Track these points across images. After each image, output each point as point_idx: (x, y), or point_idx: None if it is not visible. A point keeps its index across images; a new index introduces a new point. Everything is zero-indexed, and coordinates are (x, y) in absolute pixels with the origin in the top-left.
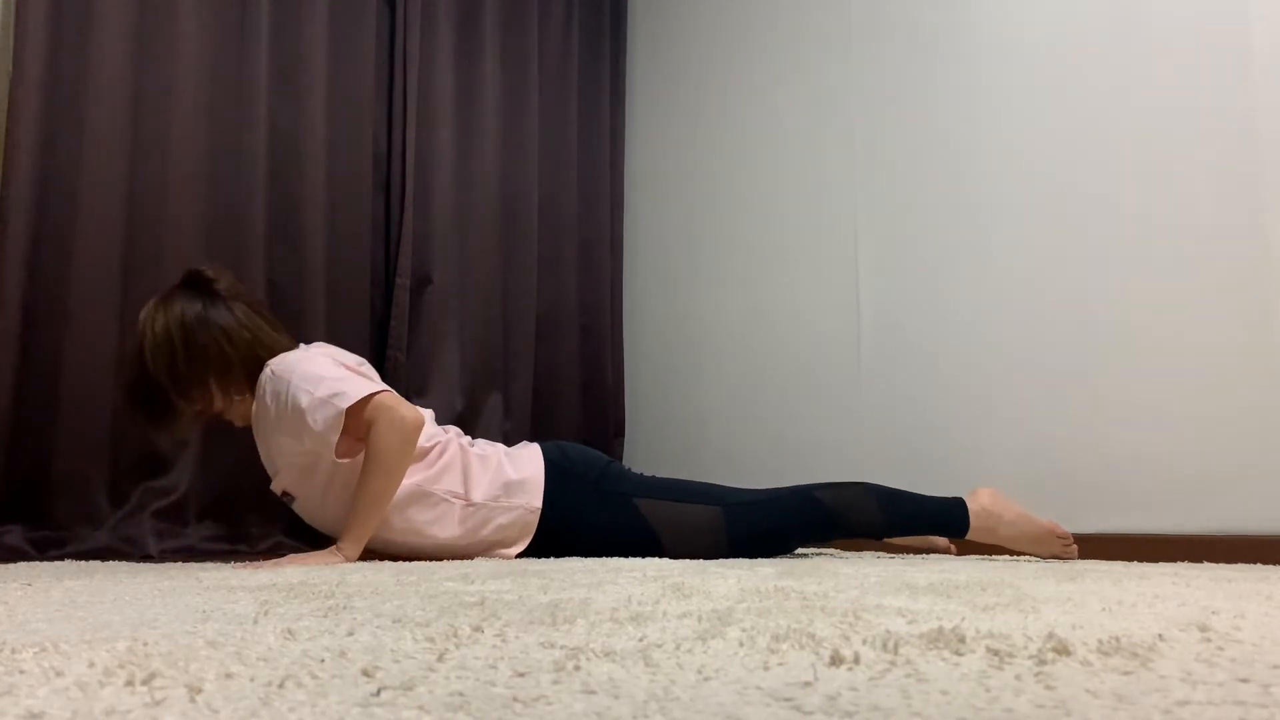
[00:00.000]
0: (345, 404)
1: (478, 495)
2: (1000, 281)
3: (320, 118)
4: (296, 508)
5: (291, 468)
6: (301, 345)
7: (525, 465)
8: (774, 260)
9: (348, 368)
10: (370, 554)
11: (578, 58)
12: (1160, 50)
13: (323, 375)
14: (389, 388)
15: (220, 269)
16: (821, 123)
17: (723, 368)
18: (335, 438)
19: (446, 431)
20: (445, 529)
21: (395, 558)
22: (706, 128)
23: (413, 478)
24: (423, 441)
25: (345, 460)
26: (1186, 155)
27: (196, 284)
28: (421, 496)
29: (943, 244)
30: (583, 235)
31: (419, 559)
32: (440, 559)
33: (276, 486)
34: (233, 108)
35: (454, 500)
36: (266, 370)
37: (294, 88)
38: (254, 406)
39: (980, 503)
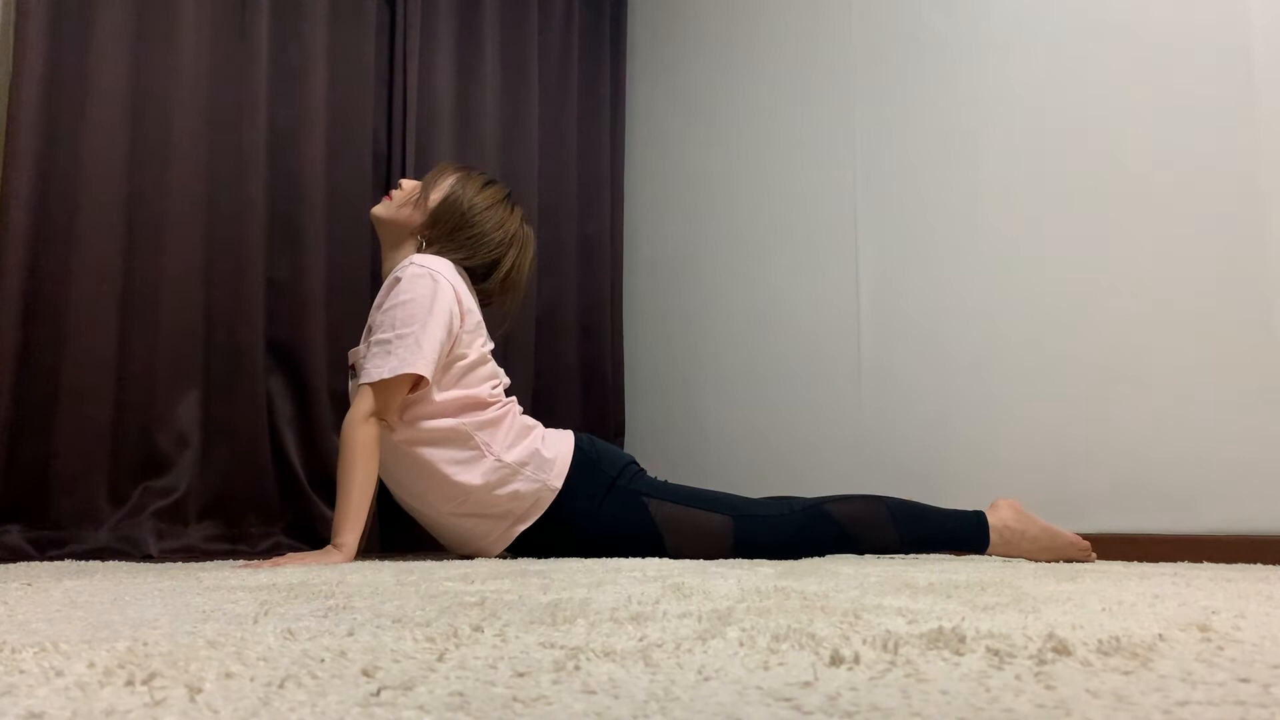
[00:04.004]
0: (378, 376)
1: (509, 457)
2: (1002, 281)
3: (320, 118)
4: (352, 390)
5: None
6: (442, 265)
7: (557, 446)
8: (774, 259)
9: (451, 331)
10: (389, 504)
11: (578, 58)
12: (1161, 47)
13: (414, 330)
14: (427, 374)
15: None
16: (821, 122)
17: (723, 367)
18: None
19: (509, 399)
20: (468, 475)
21: (402, 513)
22: (706, 128)
23: (461, 418)
24: (486, 396)
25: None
26: (1197, 152)
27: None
28: (462, 438)
29: (944, 243)
30: (583, 235)
31: (429, 512)
32: (444, 517)
33: (353, 355)
34: (233, 108)
35: (487, 453)
36: (412, 263)
37: (294, 88)
38: (390, 269)
39: (1002, 518)
